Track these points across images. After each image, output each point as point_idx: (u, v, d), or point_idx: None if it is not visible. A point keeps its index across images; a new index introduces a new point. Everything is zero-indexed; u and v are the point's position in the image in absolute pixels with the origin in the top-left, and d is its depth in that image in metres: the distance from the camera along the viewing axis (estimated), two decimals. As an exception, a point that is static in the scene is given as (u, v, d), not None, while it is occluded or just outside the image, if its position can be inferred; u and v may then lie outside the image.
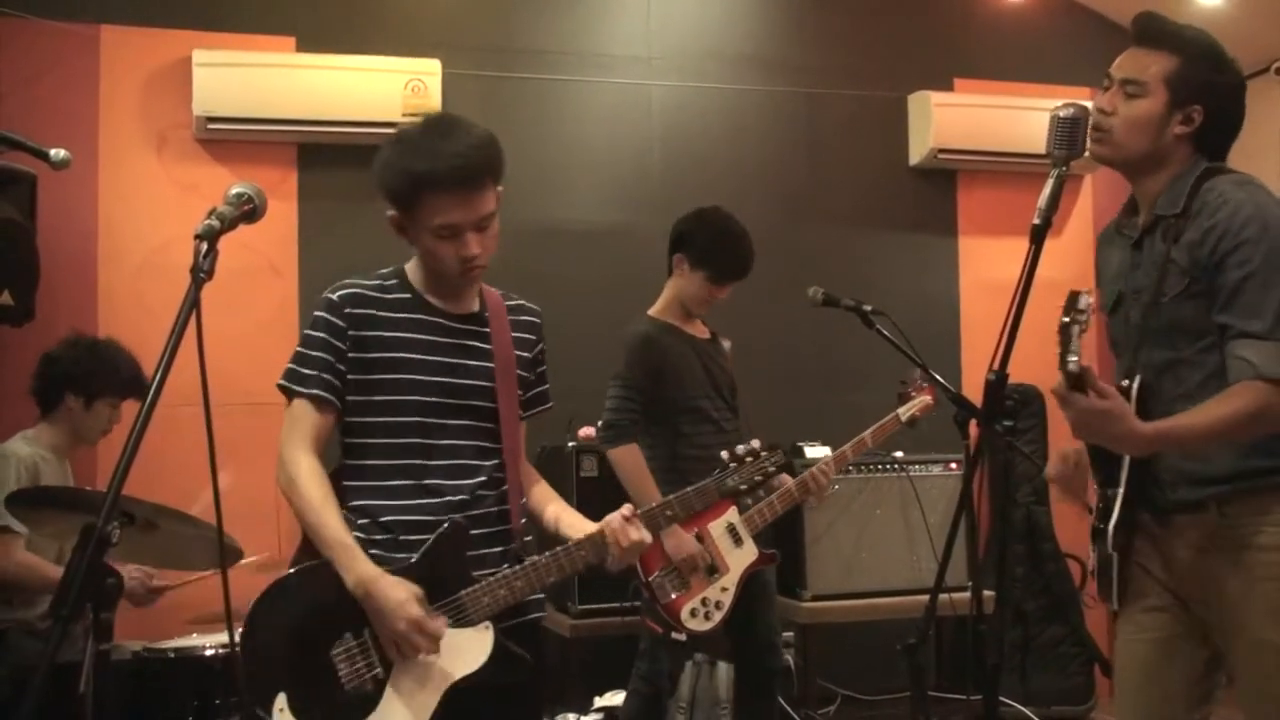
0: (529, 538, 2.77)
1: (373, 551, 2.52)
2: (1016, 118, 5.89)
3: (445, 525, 2.56)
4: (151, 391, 1.99)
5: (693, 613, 4.00)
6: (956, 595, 4.11)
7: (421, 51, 5.36)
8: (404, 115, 5.21)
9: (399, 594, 2.45)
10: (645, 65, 5.84)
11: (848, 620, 5.24)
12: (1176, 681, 2.68)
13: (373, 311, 2.63)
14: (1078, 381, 2.37)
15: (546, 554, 2.61)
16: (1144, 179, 2.70)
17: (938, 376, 3.85)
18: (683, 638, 4.01)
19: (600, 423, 4.18)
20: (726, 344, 4.40)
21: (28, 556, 3.87)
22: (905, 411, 4.42)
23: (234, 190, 2.25)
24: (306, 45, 5.35)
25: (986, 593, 3.10)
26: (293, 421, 2.60)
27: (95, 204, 5.13)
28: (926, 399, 4.42)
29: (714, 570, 4.05)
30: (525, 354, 2.81)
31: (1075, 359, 2.33)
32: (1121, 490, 2.62)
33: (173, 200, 5.15)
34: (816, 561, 5.17)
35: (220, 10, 5.29)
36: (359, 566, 2.46)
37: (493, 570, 2.60)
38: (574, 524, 2.72)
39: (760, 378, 5.73)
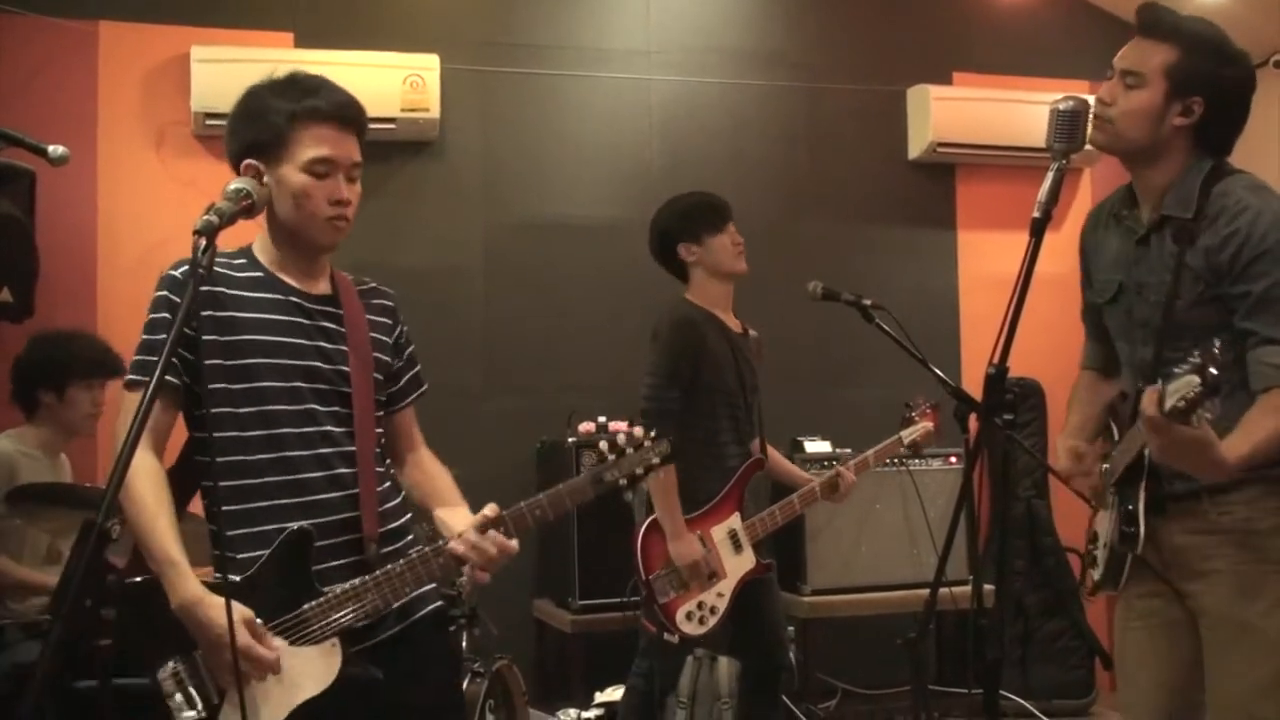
0: (415, 542, 2.57)
1: (216, 570, 2.34)
2: (1015, 111, 5.88)
3: (288, 532, 2.36)
4: (152, 387, 1.98)
5: (688, 615, 3.95)
6: (957, 589, 4.10)
7: (420, 47, 5.36)
8: (403, 111, 5.22)
9: (226, 619, 2.23)
10: (644, 60, 5.84)
11: (848, 614, 5.24)
12: (1172, 667, 2.70)
13: (223, 290, 2.42)
14: (1188, 408, 2.27)
15: (401, 562, 2.40)
16: (1144, 170, 2.69)
17: (937, 370, 3.83)
18: (675, 639, 3.96)
19: (639, 410, 3.95)
20: (754, 335, 4.28)
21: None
22: (907, 435, 4.36)
23: (233, 186, 2.24)
24: (305, 41, 5.35)
25: (987, 586, 3.10)
26: (129, 412, 2.32)
27: (94, 200, 5.13)
28: (928, 425, 4.37)
29: (713, 575, 3.99)
30: (384, 338, 2.58)
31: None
32: (1143, 492, 2.62)
33: (171, 196, 5.15)
34: (817, 556, 5.18)
35: (218, 6, 5.29)
36: (184, 587, 2.25)
37: (344, 578, 2.39)
38: (444, 525, 2.53)
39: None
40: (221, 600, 2.24)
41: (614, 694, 4.96)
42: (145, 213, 5.14)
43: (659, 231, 4.17)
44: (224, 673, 2.26)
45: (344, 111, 2.46)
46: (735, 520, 4.05)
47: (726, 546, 4.04)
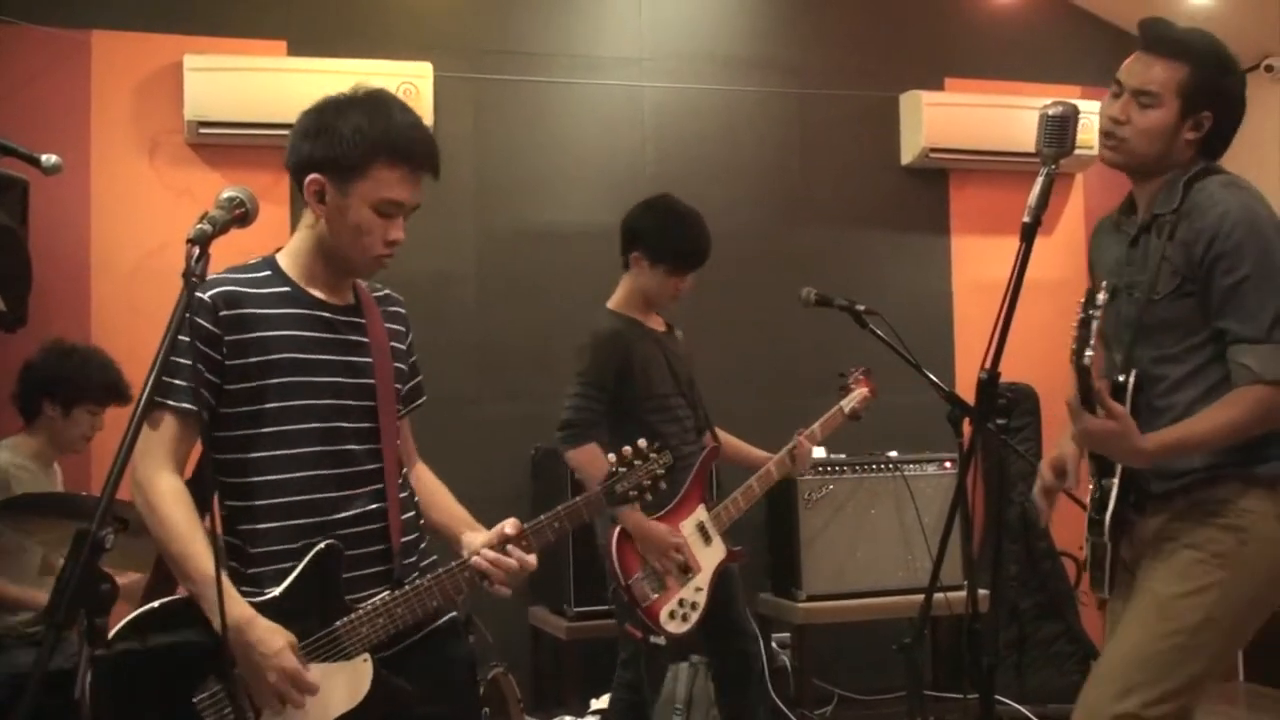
0: (428, 551, 2.61)
1: (241, 588, 2.34)
2: (1007, 117, 5.89)
3: (318, 548, 2.37)
4: (145, 396, 1.99)
5: (671, 614, 3.94)
6: (952, 594, 4.11)
7: (413, 55, 5.36)
8: (396, 118, 5.21)
9: (275, 643, 2.27)
10: (637, 67, 5.84)
11: (843, 620, 5.24)
12: None
13: (250, 310, 2.39)
14: (1086, 385, 2.42)
15: (429, 577, 2.44)
16: (1149, 181, 2.74)
17: (931, 375, 3.85)
18: (662, 641, 3.96)
19: (560, 421, 4.02)
20: (679, 333, 4.32)
21: None
22: (847, 404, 4.38)
23: (226, 194, 2.22)
24: (298, 49, 5.35)
25: (981, 591, 3.10)
26: (150, 436, 2.32)
27: (87, 209, 5.13)
28: (864, 391, 4.41)
29: (687, 570, 3.99)
30: (400, 346, 2.60)
31: (1090, 354, 2.37)
32: (1117, 481, 2.67)
33: (165, 205, 5.15)
34: (812, 562, 5.18)
35: (211, 15, 5.29)
36: (232, 608, 2.23)
37: (369, 593, 2.41)
38: (467, 540, 2.55)
39: (754, 378, 5.74)
40: (269, 624, 2.28)
41: (609, 701, 4.95)
42: (138, 221, 5.14)
43: (632, 224, 4.13)
44: (265, 693, 2.29)
45: (427, 154, 2.45)
46: (701, 512, 4.07)
47: (696, 539, 4.04)
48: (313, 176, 2.41)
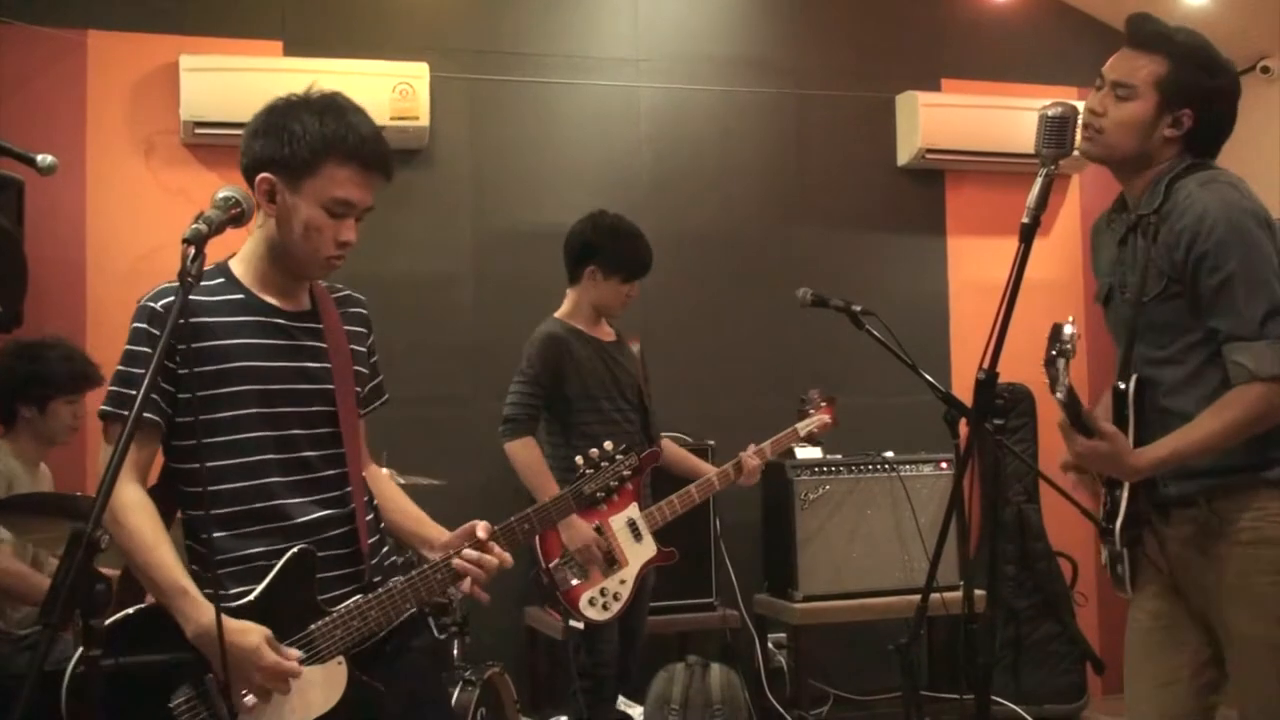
0: (390, 552, 2.61)
1: (208, 591, 2.30)
2: (1004, 118, 5.89)
3: (291, 553, 2.37)
4: (141, 396, 1.98)
5: (591, 601, 4.16)
6: (948, 594, 4.11)
7: (409, 55, 5.36)
8: (392, 119, 5.21)
9: (249, 640, 2.26)
10: (633, 67, 5.84)
11: (840, 621, 5.24)
12: (1178, 669, 2.72)
13: (203, 319, 2.39)
14: (1074, 411, 2.43)
15: (402, 579, 2.44)
16: (1132, 178, 2.74)
17: (927, 376, 3.85)
18: (581, 625, 4.15)
19: (501, 417, 4.28)
20: (635, 346, 4.54)
21: (15, 564, 3.84)
22: (803, 427, 4.60)
23: (221, 194, 2.23)
24: (294, 49, 5.34)
25: (978, 592, 3.11)
26: (108, 445, 2.37)
27: (83, 209, 5.12)
28: (824, 417, 4.61)
29: (613, 562, 4.20)
30: (360, 348, 2.58)
31: (1064, 389, 2.38)
32: (1126, 490, 2.66)
33: (160, 205, 5.14)
34: (808, 562, 5.18)
35: (207, 15, 5.28)
36: (200, 614, 2.24)
37: (341, 594, 2.42)
38: (431, 543, 2.56)
39: (750, 378, 5.74)
40: (239, 623, 2.28)
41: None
42: (134, 222, 5.13)
43: (586, 241, 4.38)
44: (253, 690, 2.29)
45: (378, 153, 2.43)
46: (633, 510, 4.27)
47: (626, 535, 4.25)
48: (263, 175, 2.40)
